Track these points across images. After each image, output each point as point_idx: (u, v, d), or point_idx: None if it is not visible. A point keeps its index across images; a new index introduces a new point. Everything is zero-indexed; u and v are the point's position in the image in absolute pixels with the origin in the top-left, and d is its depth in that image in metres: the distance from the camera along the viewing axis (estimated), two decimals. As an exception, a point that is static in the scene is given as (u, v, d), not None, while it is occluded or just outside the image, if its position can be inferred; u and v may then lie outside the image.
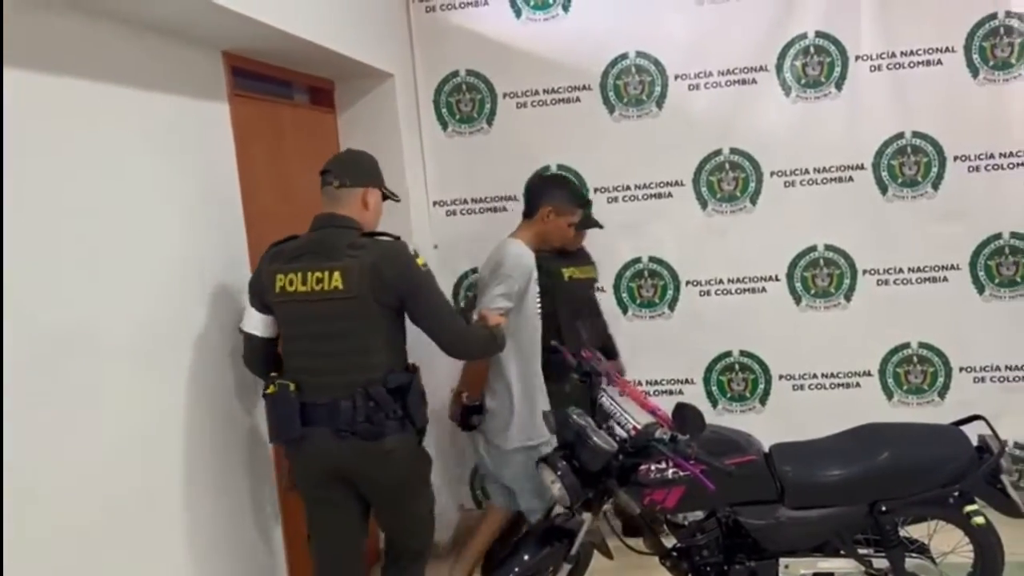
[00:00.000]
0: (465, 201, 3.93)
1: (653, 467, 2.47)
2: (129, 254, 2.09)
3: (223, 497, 2.45)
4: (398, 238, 2.45)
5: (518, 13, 3.78)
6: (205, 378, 2.38)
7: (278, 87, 3.17)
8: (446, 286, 3.99)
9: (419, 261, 2.43)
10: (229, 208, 2.58)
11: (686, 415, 2.36)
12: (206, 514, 2.35)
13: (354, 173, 2.50)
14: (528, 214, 3.15)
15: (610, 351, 3.49)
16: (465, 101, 3.87)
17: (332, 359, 2.37)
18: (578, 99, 3.82)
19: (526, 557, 2.56)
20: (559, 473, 2.44)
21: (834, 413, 3.43)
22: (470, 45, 3.81)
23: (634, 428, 2.57)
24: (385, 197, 2.61)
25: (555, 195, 3.11)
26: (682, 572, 2.63)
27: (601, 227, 3.26)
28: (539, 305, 3.01)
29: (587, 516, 2.53)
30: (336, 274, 2.33)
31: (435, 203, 3.94)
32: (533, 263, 2.95)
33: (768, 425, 3.57)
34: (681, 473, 2.41)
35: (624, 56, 3.78)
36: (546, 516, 2.69)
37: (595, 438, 2.41)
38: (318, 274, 2.33)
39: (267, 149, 2.90)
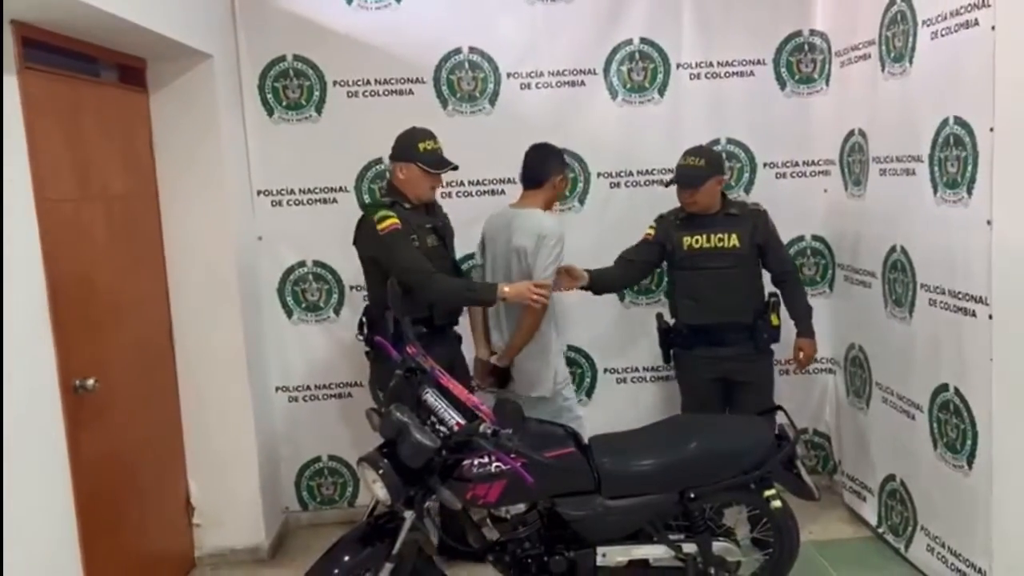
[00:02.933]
0: (292, 191, 3.78)
1: (476, 462, 2.47)
2: None
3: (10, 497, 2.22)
4: (399, 203, 3.11)
5: (349, 0, 3.68)
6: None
7: (81, 63, 2.91)
8: (271, 280, 3.84)
9: (380, 225, 2.99)
10: (15, 191, 2.33)
11: (506, 410, 2.38)
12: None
13: (393, 151, 3.20)
14: (538, 183, 3.29)
15: (800, 327, 3.43)
16: (293, 87, 3.72)
17: None
18: (411, 91, 3.77)
19: (346, 558, 2.48)
20: (380, 472, 2.38)
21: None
22: (298, 30, 3.67)
23: (457, 424, 2.56)
24: (426, 170, 3.11)
25: (559, 162, 3.19)
26: (506, 566, 2.65)
27: None
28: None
29: (409, 514, 2.49)
30: None
31: (260, 192, 3.76)
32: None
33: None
34: (503, 467, 2.43)
35: (458, 51, 3.76)
36: (367, 516, 2.62)
37: (417, 434, 2.37)
38: None
39: (65, 128, 2.66)
